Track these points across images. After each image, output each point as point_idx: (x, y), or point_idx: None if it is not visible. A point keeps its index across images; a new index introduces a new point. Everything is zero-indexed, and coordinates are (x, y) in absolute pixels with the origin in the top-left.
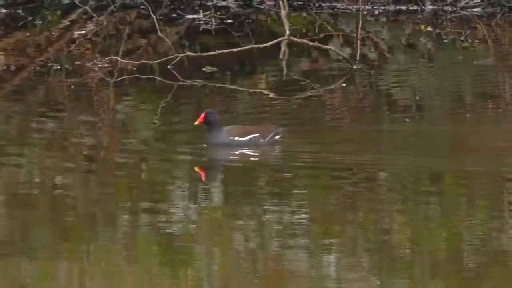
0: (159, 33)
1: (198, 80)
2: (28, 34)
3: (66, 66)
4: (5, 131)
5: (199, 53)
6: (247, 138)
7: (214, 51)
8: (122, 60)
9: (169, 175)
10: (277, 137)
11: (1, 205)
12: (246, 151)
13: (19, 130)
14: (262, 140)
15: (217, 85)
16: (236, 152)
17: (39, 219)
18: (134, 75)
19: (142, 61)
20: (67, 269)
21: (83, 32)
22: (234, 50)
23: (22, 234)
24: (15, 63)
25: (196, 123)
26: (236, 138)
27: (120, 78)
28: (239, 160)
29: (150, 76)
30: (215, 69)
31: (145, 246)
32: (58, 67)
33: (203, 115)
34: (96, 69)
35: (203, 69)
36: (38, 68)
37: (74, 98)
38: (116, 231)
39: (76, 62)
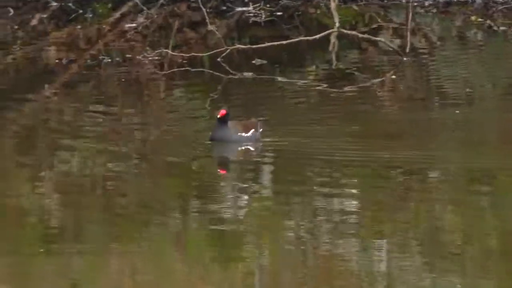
0: (209, 26)
1: (247, 73)
2: (79, 27)
3: (117, 59)
4: (58, 124)
5: (248, 46)
6: (249, 133)
7: (264, 43)
8: (172, 53)
9: (220, 167)
10: (261, 130)
11: (54, 200)
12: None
13: (71, 123)
14: (257, 134)
15: (267, 77)
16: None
17: (92, 214)
18: (184, 68)
19: (192, 54)
20: (118, 264)
21: (134, 25)
22: (284, 42)
23: (74, 229)
24: (67, 57)
25: (219, 116)
26: (243, 134)
27: (170, 71)
28: (286, 152)
29: (200, 69)
30: (265, 61)
31: (195, 240)
32: (109, 60)
33: (224, 112)
34: (147, 62)
35: (253, 61)
36: (89, 61)
37: (124, 91)
38: (167, 224)
39: (127, 55)
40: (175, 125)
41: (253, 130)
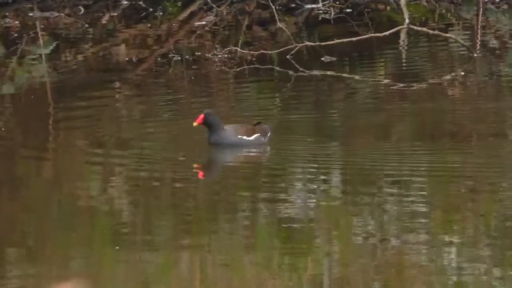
0: (278, 23)
1: (317, 70)
2: (149, 25)
3: (187, 57)
4: (128, 122)
5: (318, 43)
6: (253, 137)
7: (333, 40)
8: (242, 51)
9: (289, 164)
10: (269, 134)
11: (124, 197)
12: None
13: (142, 120)
14: (263, 139)
15: (336, 74)
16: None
17: (161, 210)
18: (253, 66)
19: (261, 51)
20: (188, 260)
21: (203, 23)
22: (353, 39)
23: (145, 226)
24: (137, 55)
25: (194, 124)
26: (244, 137)
27: (239, 69)
28: (355, 152)
29: (269, 66)
30: (334, 58)
31: (265, 237)
32: (179, 58)
33: (202, 116)
34: (216, 59)
35: (322, 58)
36: (159, 59)
37: (194, 88)
38: (236, 220)
39: (196, 53)
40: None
41: (257, 134)
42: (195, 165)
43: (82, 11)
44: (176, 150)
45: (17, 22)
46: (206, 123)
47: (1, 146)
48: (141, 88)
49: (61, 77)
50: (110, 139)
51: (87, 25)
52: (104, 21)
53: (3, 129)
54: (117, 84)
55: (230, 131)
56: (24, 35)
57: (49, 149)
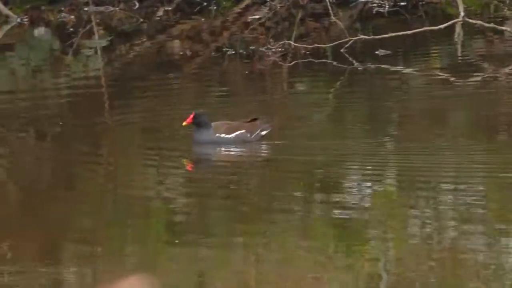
0: (332, 17)
1: (371, 63)
2: (203, 19)
3: (241, 51)
4: (183, 117)
5: (372, 36)
6: (233, 135)
7: (387, 34)
8: (296, 44)
9: (343, 157)
10: (263, 132)
11: (179, 192)
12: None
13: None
14: (249, 135)
15: (391, 68)
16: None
17: (215, 206)
18: (307, 59)
19: (315, 45)
20: (243, 255)
21: (257, 16)
22: (408, 32)
23: (200, 221)
24: (191, 49)
25: (184, 124)
26: (223, 135)
27: (293, 62)
28: (410, 146)
29: (323, 60)
30: (389, 52)
31: (320, 230)
32: (233, 52)
33: (192, 115)
34: (270, 53)
35: (376, 52)
36: (213, 53)
37: (248, 82)
38: (291, 215)
39: (250, 47)
40: (296, 117)
41: (240, 131)
42: (184, 160)
43: (137, 6)
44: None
45: (72, 16)
46: (195, 123)
47: (59, 140)
48: (195, 82)
49: (115, 71)
50: (165, 133)
51: (141, 19)
52: (158, 15)
53: (61, 123)
54: (171, 78)
55: (211, 129)
56: (80, 29)
57: (105, 144)
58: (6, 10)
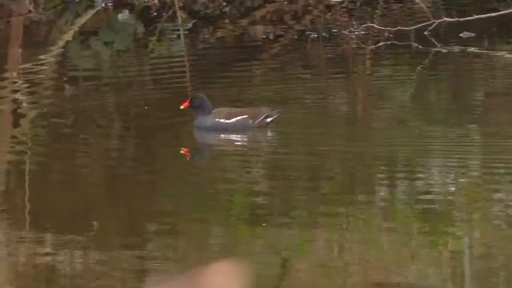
0: None
1: (455, 46)
2: (285, 2)
3: (323, 34)
4: (266, 101)
5: (456, 19)
6: (233, 120)
7: (472, 16)
8: (378, 27)
9: (426, 142)
10: (269, 119)
11: (261, 174)
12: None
13: (277, 97)
14: (251, 122)
15: (475, 51)
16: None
17: (298, 188)
18: (390, 42)
19: (399, 27)
20: (325, 238)
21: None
22: (493, 14)
23: (282, 204)
24: (273, 32)
25: (181, 107)
26: (222, 120)
27: (376, 45)
28: (496, 132)
29: (407, 43)
30: (473, 34)
31: (403, 215)
32: (315, 35)
33: (187, 103)
34: (353, 36)
35: (461, 34)
36: (296, 36)
37: (331, 66)
38: (373, 199)
39: (333, 30)
40: (380, 99)
41: (241, 117)
42: (182, 149)
43: None
44: (312, 129)
45: (156, 0)
46: (192, 106)
47: (143, 125)
48: (278, 66)
49: (198, 55)
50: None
51: (224, 3)
52: None
53: (146, 107)
54: (254, 62)
55: (211, 115)
56: (163, 13)
57: (188, 129)
58: None
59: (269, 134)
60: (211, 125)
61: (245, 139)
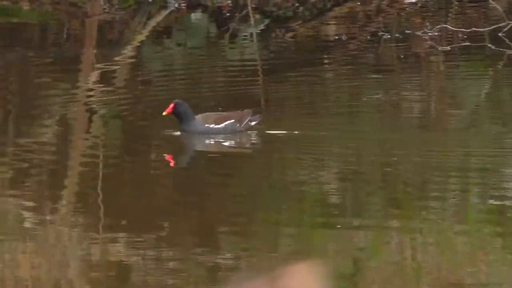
0: (491, 0)
1: None
2: (358, 3)
3: (396, 35)
4: (337, 102)
5: None
6: (223, 125)
7: None
8: (452, 28)
9: (500, 145)
10: (253, 122)
11: (333, 177)
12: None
13: (350, 99)
14: (238, 125)
15: None
16: (226, 141)
17: (370, 191)
18: (464, 43)
19: (473, 29)
20: (398, 239)
21: (413, 0)
22: None
23: (354, 205)
24: (346, 33)
25: (164, 113)
26: (212, 125)
27: (450, 47)
28: None
29: (480, 44)
30: None
31: (476, 216)
32: (388, 36)
33: (171, 105)
34: (426, 37)
35: None
36: (368, 37)
37: (404, 67)
38: (446, 202)
39: (406, 31)
40: (452, 103)
41: (229, 121)
42: (165, 154)
43: None
44: (384, 131)
45: (229, 1)
46: (175, 113)
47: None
48: (350, 67)
49: (271, 55)
50: (319, 119)
51: (297, 4)
52: None
53: (220, 108)
54: (326, 62)
55: (199, 120)
56: (236, 14)
57: (260, 129)
58: None
59: (254, 137)
60: (203, 130)
61: (315, 141)
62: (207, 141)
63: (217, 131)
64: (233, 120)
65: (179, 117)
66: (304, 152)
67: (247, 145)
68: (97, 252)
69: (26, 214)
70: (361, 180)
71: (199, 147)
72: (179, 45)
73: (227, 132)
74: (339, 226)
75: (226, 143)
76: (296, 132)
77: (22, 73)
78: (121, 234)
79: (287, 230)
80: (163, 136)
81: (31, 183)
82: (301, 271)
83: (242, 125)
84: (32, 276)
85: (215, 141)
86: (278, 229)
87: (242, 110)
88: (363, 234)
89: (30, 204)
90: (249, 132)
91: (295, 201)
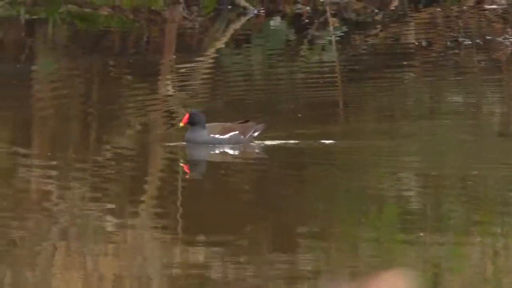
0: None
1: None
2: (438, 9)
3: (477, 41)
4: (416, 108)
5: None
6: (227, 135)
7: None
8: None
9: None
10: (256, 133)
11: (411, 183)
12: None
13: (431, 106)
14: (242, 137)
15: None
16: (218, 151)
17: (450, 197)
18: None
19: None
20: (480, 249)
21: (494, 6)
22: None
23: (434, 212)
24: (426, 38)
25: (181, 124)
26: (217, 136)
27: None
28: None
29: None
30: None
31: None
32: (469, 42)
33: (187, 116)
34: (508, 43)
35: None
36: (448, 43)
37: (484, 73)
38: None
39: (487, 37)
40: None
41: (233, 132)
42: (181, 161)
43: None
44: (466, 140)
45: (308, 7)
46: (191, 122)
47: (296, 129)
48: (430, 73)
49: (350, 62)
50: (398, 124)
51: (376, 10)
52: (393, 5)
53: (300, 115)
54: (406, 68)
55: (207, 130)
56: (315, 20)
57: (337, 133)
58: (243, 2)
59: (257, 149)
60: (208, 140)
61: (394, 148)
62: (285, 148)
63: (222, 141)
64: (237, 132)
65: (193, 126)
66: (383, 159)
67: (323, 153)
68: (176, 255)
69: (108, 217)
70: (442, 188)
71: (274, 152)
72: (258, 50)
73: (231, 143)
74: (422, 234)
75: (307, 151)
76: (373, 139)
77: (102, 80)
78: (200, 238)
79: (367, 234)
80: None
81: (112, 188)
82: (388, 280)
83: (246, 137)
84: (113, 279)
85: (295, 147)
86: (357, 238)
87: (246, 121)
88: (443, 244)
89: (111, 207)
90: (325, 141)
91: (375, 208)
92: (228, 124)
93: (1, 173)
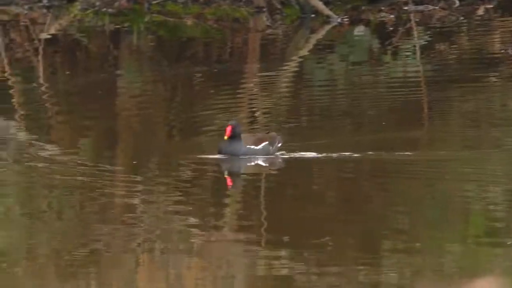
0: None
1: None
2: None
3: None
4: (499, 118)
5: None
6: (260, 146)
7: None
8: None
9: None
10: (279, 144)
11: (499, 191)
12: None
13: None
14: (271, 148)
15: None
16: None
17: None
18: None
19: None
20: None
21: None
22: None
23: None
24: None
25: (225, 137)
26: (252, 146)
27: None
28: None
29: None
30: None
31: None
32: None
33: (229, 128)
34: None
35: None
36: None
37: None
38: None
39: None
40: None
41: (265, 143)
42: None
43: (457, 4)
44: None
45: (392, 16)
46: (233, 134)
47: (378, 138)
48: None
49: (434, 70)
50: (484, 133)
51: (461, 18)
52: (479, 13)
53: (384, 123)
54: (491, 76)
55: (241, 142)
56: (399, 28)
57: (422, 142)
58: (327, 11)
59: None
60: (245, 151)
61: (480, 157)
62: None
63: (256, 152)
64: (267, 142)
65: (234, 138)
66: (469, 167)
67: (408, 163)
68: (259, 265)
69: (192, 230)
70: None
71: (359, 163)
72: (342, 58)
73: (262, 154)
74: (510, 243)
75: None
76: (459, 150)
77: (186, 89)
78: (283, 249)
79: (452, 246)
80: (321, 147)
81: (196, 197)
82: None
83: (274, 147)
84: None
85: (378, 159)
86: (442, 245)
87: (268, 132)
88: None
89: (195, 220)
90: (409, 153)
91: (459, 217)
92: (259, 135)
93: (85, 183)
